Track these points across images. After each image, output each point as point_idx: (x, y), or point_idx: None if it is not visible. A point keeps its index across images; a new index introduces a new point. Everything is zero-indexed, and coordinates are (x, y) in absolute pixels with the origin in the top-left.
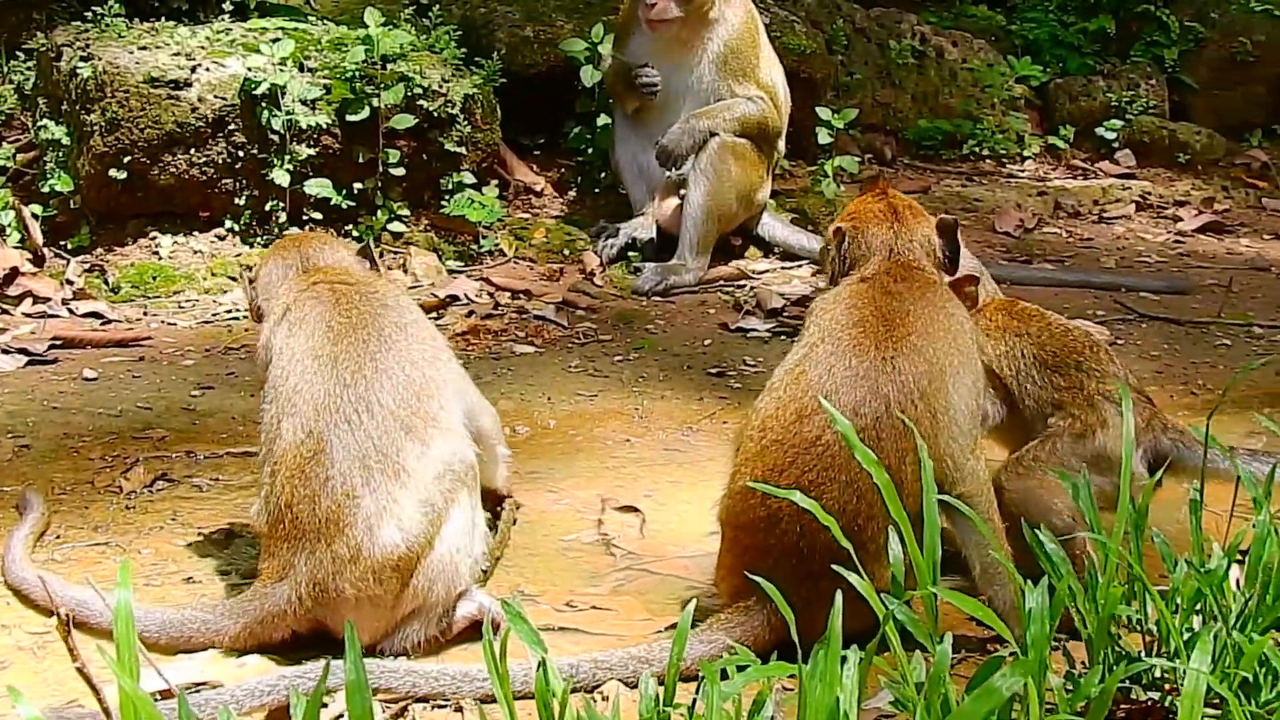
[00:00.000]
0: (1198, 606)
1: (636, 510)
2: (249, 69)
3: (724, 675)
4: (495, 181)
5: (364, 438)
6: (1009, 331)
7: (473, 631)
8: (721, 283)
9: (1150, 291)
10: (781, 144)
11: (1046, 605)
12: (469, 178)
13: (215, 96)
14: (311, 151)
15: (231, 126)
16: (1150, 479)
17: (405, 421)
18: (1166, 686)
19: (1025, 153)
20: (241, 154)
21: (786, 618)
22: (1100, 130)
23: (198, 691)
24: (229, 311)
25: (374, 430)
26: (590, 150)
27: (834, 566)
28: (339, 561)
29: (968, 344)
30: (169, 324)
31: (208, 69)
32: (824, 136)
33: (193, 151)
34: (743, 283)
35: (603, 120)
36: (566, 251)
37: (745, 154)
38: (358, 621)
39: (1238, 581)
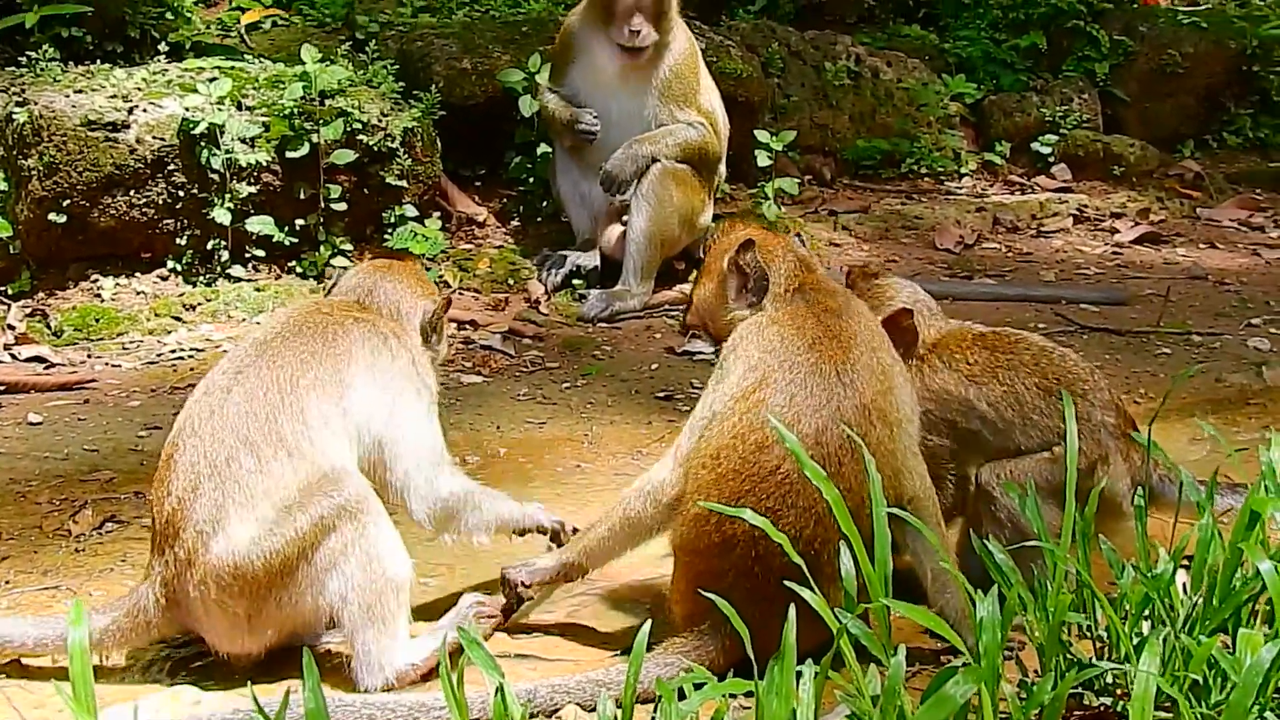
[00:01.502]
0: (1146, 611)
1: None
2: (186, 109)
3: (681, 696)
4: (437, 213)
5: (200, 446)
6: (1001, 369)
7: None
8: (666, 307)
9: (1089, 303)
10: (722, 168)
11: (997, 614)
12: (411, 210)
13: (153, 137)
14: (252, 189)
15: (171, 167)
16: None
17: (246, 437)
18: (1118, 691)
19: (963, 170)
20: (182, 194)
21: (742, 634)
22: (1035, 145)
23: None
24: (174, 351)
25: (209, 440)
26: (531, 179)
27: (787, 583)
28: (179, 564)
29: (890, 347)
30: (113, 366)
31: (145, 110)
32: (763, 159)
33: (132, 193)
34: (680, 306)
35: (543, 149)
36: (511, 281)
37: (687, 179)
38: (214, 628)
39: (1184, 586)
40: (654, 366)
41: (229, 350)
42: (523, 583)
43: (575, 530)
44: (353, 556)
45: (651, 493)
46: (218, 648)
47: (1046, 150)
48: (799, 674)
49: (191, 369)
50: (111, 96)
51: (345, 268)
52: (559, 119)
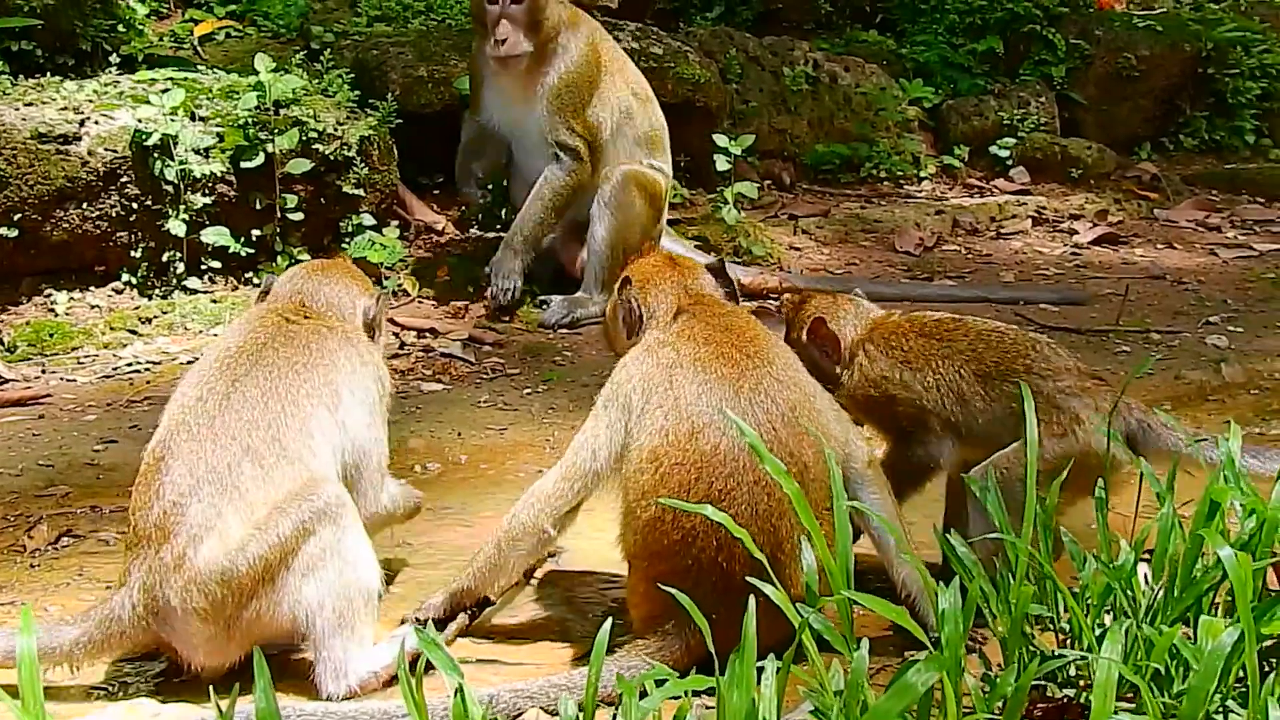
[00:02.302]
0: (1108, 603)
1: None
2: (139, 120)
3: (644, 695)
4: (396, 222)
5: (200, 451)
6: (934, 356)
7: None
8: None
9: (1048, 303)
10: (666, 166)
11: (960, 605)
12: (369, 219)
13: (106, 149)
14: (207, 200)
15: (124, 179)
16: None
17: (248, 445)
18: (1081, 683)
19: (922, 173)
20: (135, 206)
21: (703, 629)
22: (994, 148)
23: None
24: (130, 365)
25: (211, 445)
26: (491, 187)
27: (748, 579)
28: (165, 568)
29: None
30: (68, 381)
31: (97, 122)
32: (722, 163)
33: (85, 206)
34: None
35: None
36: (471, 288)
37: (645, 186)
38: (191, 638)
39: (1146, 577)
40: None
41: (198, 364)
42: (417, 620)
43: None
44: (330, 562)
45: (545, 508)
46: (191, 659)
47: (1005, 153)
48: (761, 669)
49: (148, 382)
50: (63, 109)
51: (273, 274)
52: (460, 161)
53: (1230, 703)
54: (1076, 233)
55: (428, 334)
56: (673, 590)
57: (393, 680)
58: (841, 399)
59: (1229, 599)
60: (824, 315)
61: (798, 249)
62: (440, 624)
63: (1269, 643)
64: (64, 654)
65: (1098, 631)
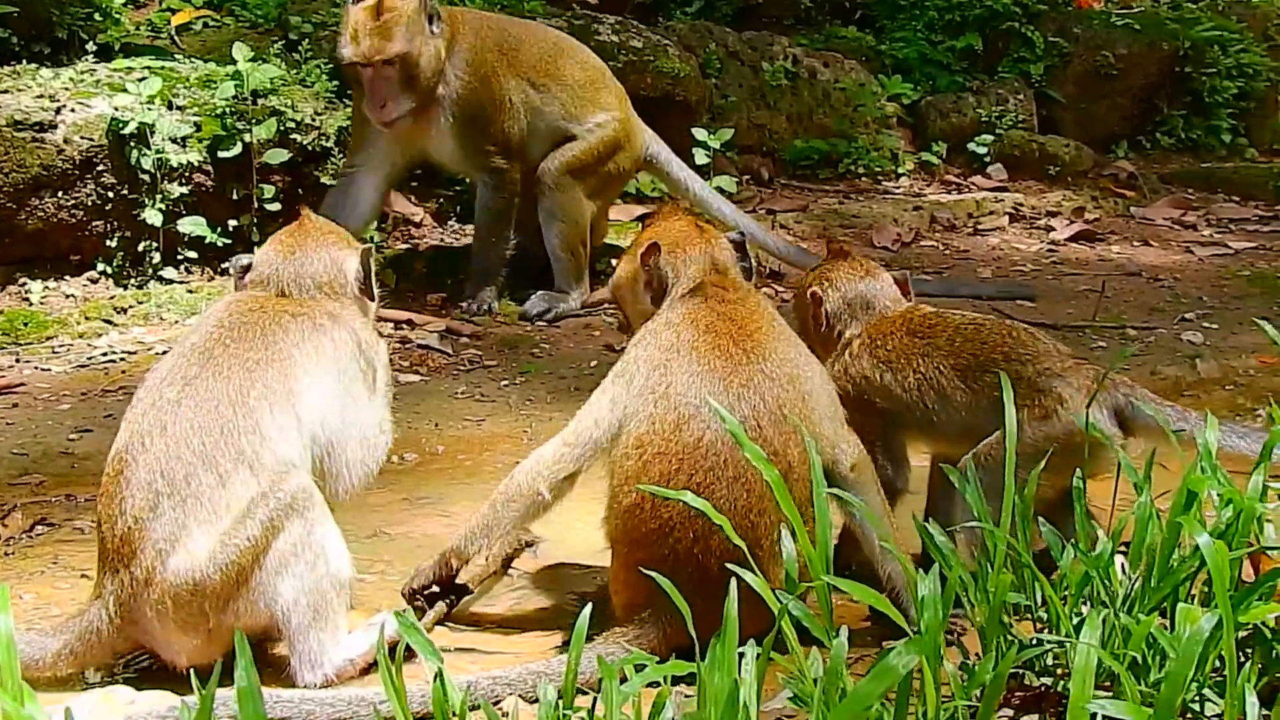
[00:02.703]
0: (1086, 591)
1: (528, 530)
2: (116, 109)
3: (623, 682)
4: None
5: (154, 463)
6: (914, 354)
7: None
8: (606, 305)
9: (996, 299)
10: (620, 158)
11: (939, 592)
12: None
13: (82, 138)
14: (184, 190)
15: (100, 167)
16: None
17: (203, 452)
18: (1059, 671)
19: (900, 169)
20: (112, 195)
21: (683, 613)
22: (972, 145)
23: None
24: (105, 355)
25: (164, 457)
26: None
27: (728, 565)
28: (136, 584)
29: (797, 337)
30: (43, 370)
31: (73, 110)
32: (701, 157)
33: (61, 194)
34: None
35: None
36: (448, 280)
37: (582, 178)
38: (171, 644)
39: (1123, 566)
40: (593, 364)
41: (165, 356)
42: (413, 591)
43: None
44: (303, 557)
45: (543, 471)
46: (174, 661)
47: (983, 150)
48: (741, 655)
49: (123, 372)
50: (38, 96)
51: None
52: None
53: (1207, 690)
54: (1053, 230)
55: (405, 325)
56: (651, 573)
57: (369, 668)
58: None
59: (1205, 589)
60: (821, 293)
61: None
62: (420, 611)
63: (1245, 632)
64: (47, 665)
65: (1075, 620)
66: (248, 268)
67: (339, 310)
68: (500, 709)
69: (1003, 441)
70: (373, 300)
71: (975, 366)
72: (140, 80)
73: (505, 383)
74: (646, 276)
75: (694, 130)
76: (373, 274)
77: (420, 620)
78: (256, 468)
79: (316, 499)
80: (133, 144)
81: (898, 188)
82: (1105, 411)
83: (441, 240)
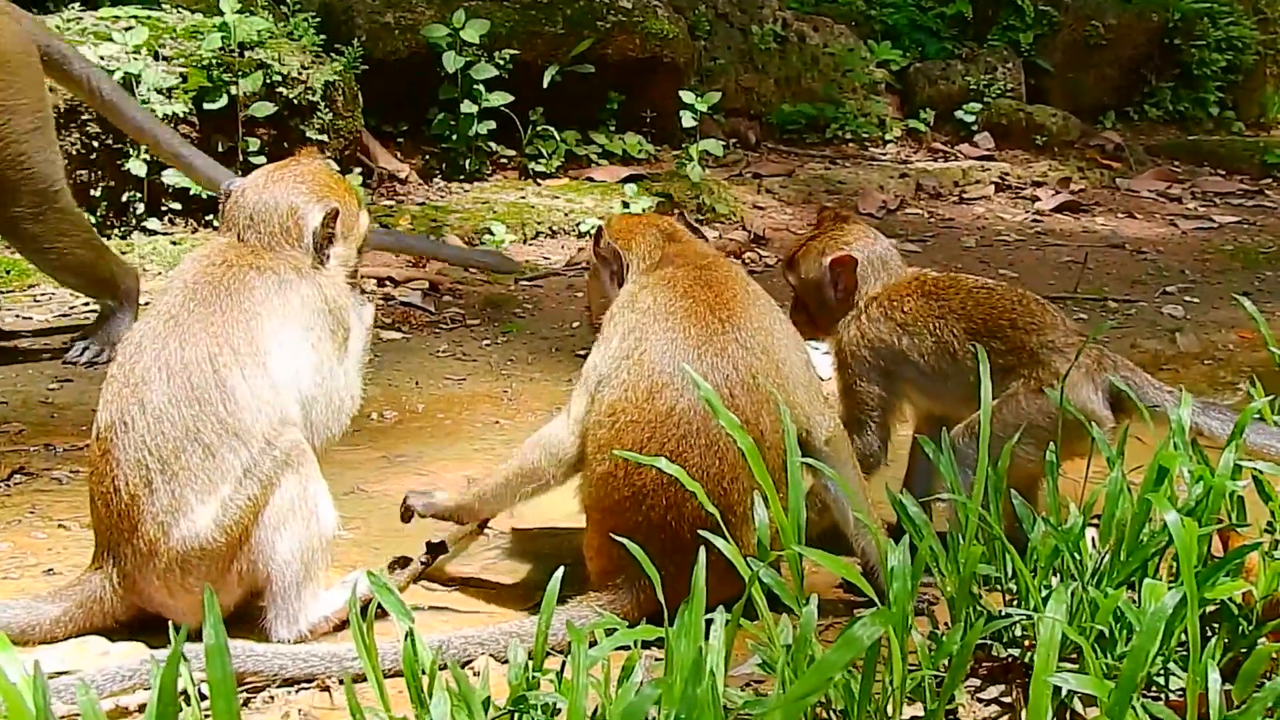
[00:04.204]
0: (1055, 564)
1: None
2: (101, 57)
3: (594, 645)
4: (359, 169)
5: (139, 442)
6: (930, 317)
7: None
8: (585, 264)
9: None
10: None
11: (908, 563)
12: (332, 165)
13: None
14: None
15: (85, 116)
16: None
17: (185, 426)
18: (1026, 643)
19: (887, 136)
20: (96, 144)
21: (653, 580)
22: (959, 113)
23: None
24: (86, 305)
25: (147, 434)
26: (454, 137)
27: (700, 532)
28: (140, 556)
29: (776, 307)
30: (24, 318)
31: None
32: (688, 120)
33: None
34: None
35: (467, 107)
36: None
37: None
38: (182, 608)
39: (1094, 540)
40: (575, 325)
41: (139, 322)
42: (418, 511)
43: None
44: (299, 513)
45: (549, 448)
46: (179, 622)
47: (970, 119)
48: (710, 622)
49: None
50: None
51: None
52: None
53: (1172, 665)
54: (1038, 200)
55: (388, 282)
56: (623, 540)
57: (343, 624)
58: (832, 346)
59: (1175, 565)
60: (858, 256)
61: (761, 208)
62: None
63: (1212, 608)
64: (45, 631)
65: (1045, 592)
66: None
67: (304, 265)
68: (472, 668)
69: (997, 412)
70: (322, 264)
71: (984, 331)
72: (126, 29)
73: (487, 342)
74: (604, 265)
75: (681, 93)
76: (344, 236)
77: (394, 577)
78: (244, 434)
79: (309, 454)
80: None
81: (884, 154)
82: (1100, 393)
83: (427, 198)
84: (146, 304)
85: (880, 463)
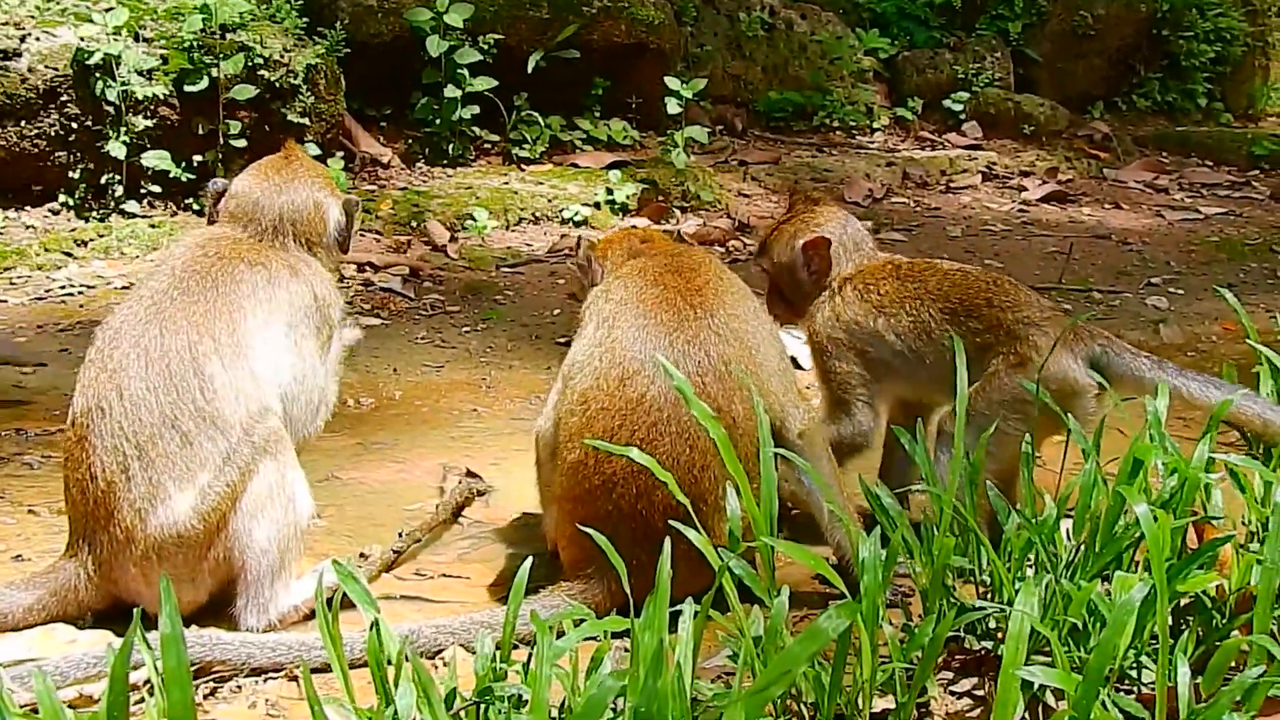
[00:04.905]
0: (1029, 557)
1: (480, 478)
2: (81, 38)
3: (562, 636)
4: (340, 153)
5: (116, 428)
6: (907, 299)
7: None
8: (568, 251)
9: None
10: None
11: (880, 554)
12: (313, 149)
13: (46, 67)
14: (149, 123)
15: (64, 98)
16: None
17: (163, 414)
18: (999, 635)
19: (874, 124)
20: (75, 126)
21: (620, 573)
22: (947, 102)
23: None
24: (63, 288)
25: (124, 421)
26: (438, 121)
27: (671, 522)
28: (116, 544)
29: (753, 296)
30: (0, 301)
31: (38, 39)
32: (673, 107)
33: (23, 124)
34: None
35: (450, 92)
36: (414, 223)
37: None
38: (155, 596)
39: (1068, 533)
40: (556, 312)
41: (119, 306)
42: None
43: (469, 471)
44: (277, 500)
45: (538, 438)
46: (154, 612)
47: (958, 108)
48: (680, 614)
49: (81, 306)
50: (3, 24)
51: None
52: None
53: (1145, 659)
54: (1026, 189)
55: (367, 268)
56: (591, 531)
57: (314, 614)
58: (805, 332)
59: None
60: (831, 237)
61: (746, 196)
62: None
63: (1188, 599)
64: (18, 618)
65: (1018, 585)
66: (223, 193)
67: (300, 264)
68: (442, 658)
69: (980, 391)
70: (345, 253)
71: (961, 311)
72: (107, 10)
73: (466, 329)
74: (580, 271)
75: (667, 79)
76: (355, 228)
77: (365, 566)
78: (221, 423)
79: (287, 442)
80: (98, 75)
81: (872, 142)
82: (1080, 361)
83: (409, 183)
84: (128, 287)
85: (869, 443)
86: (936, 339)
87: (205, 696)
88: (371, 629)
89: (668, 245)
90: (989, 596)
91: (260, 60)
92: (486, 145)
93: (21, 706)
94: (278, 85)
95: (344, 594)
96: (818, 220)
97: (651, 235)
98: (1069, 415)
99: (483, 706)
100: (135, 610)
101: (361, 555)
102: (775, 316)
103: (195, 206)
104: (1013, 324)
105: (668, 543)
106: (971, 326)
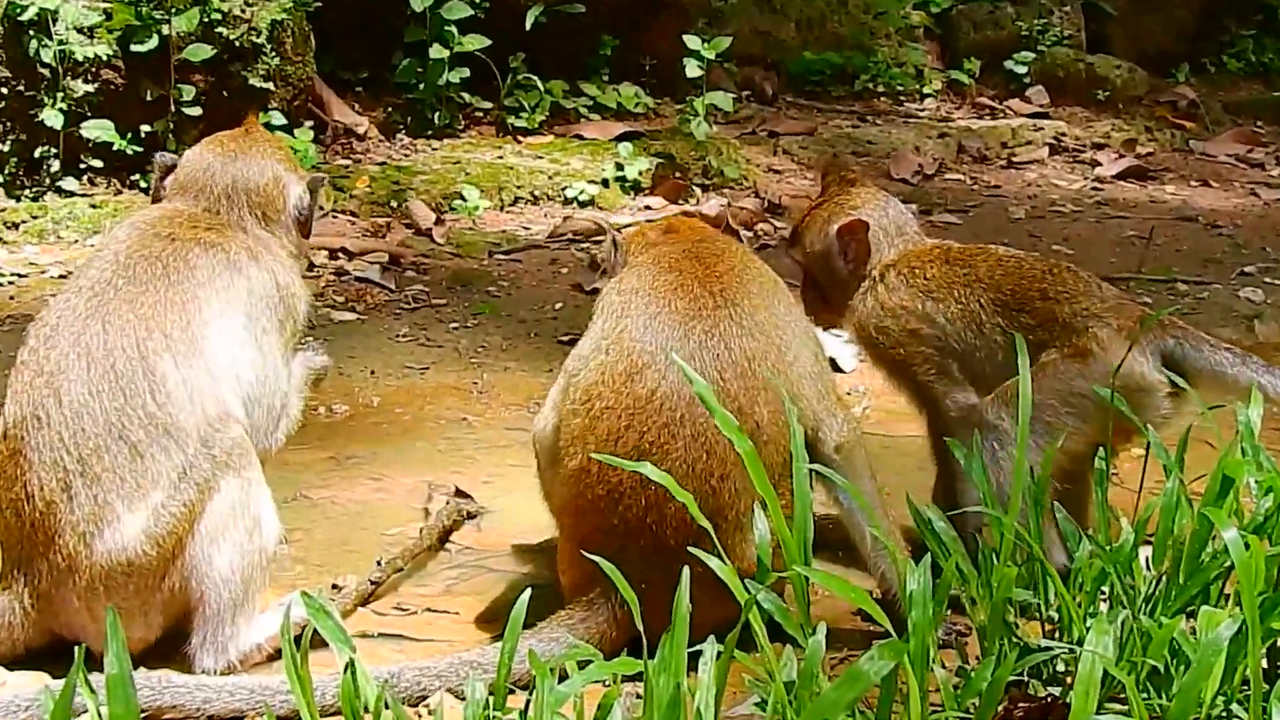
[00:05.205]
0: (1103, 589)
1: (470, 499)
2: None
3: (565, 679)
4: (310, 123)
5: (56, 439)
6: (956, 284)
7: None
8: (571, 236)
9: None
10: None
11: (930, 587)
12: (278, 118)
13: None
14: (90, 88)
15: None
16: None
17: (108, 422)
18: (1068, 680)
19: (924, 89)
20: (5, 92)
21: (630, 602)
22: (1009, 64)
23: None
24: (11, 282)
25: (65, 431)
26: (421, 86)
27: (690, 549)
28: (58, 572)
29: (786, 290)
30: None
31: None
32: (693, 69)
33: None
34: (601, 238)
35: (436, 52)
36: (394, 203)
37: None
38: (102, 632)
39: (1147, 561)
40: (558, 306)
41: (55, 300)
42: None
43: (457, 490)
44: (240, 522)
45: (536, 440)
46: (99, 650)
47: (1021, 70)
48: (700, 653)
49: (12, 298)
50: None
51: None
52: None
53: (1235, 706)
54: (1099, 164)
55: (341, 254)
56: (594, 557)
57: (279, 653)
58: (850, 328)
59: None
60: (869, 220)
61: (777, 172)
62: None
63: None
64: None
65: (1089, 622)
66: (172, 168)
67: (260, 247)
68: (426, 705)
69: (1034, 384)
70: (306, 237)
71: (1013, 304)
72: None
73: (455, 325)
74: (605, 262)
75: (686, 37)
76: (316, 206)
77: (338, 599)
78: (175, 431)
79: (253, 456)
80: (31, 33)
81: (921, 110)
82: (1148, 355)
83: (389, 157)
84: (66, 277)
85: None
86: (988, 334)
87: None
88: (346, 671)
89: (692, 227)
90: (1056, 635)
91: (218, 16)
92: (478, 114)
93: None
94: (238, 45)
95: (314, 631)
96: (853, 202)
97: (684, 225)
98: (1140, 419)
99: None
100: (78, 648)
101: (334, 586)
102: (813, 317)
103: (143, 184)
104: (1069, 318)
105: (686, 573)
106: (1023, 321)
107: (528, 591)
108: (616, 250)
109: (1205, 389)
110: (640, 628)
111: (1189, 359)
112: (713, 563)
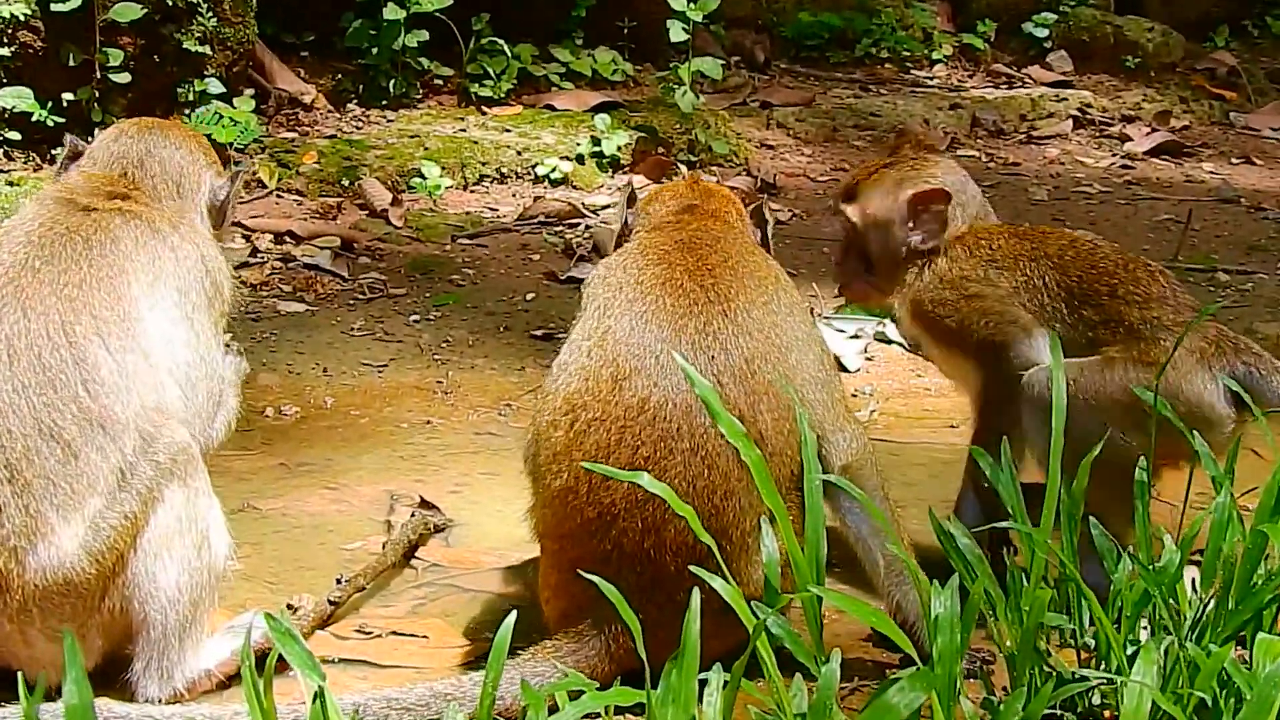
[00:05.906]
0: (1145, 614)
1: (438, 510)
2: None
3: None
4: (251, 91)
5: None
6: (1023, 257)
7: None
8: (543, 218)
9: None
10: None
11: (956, 611)
12: (215, 86)
13: None
14: (5, 52)
15: None
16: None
17: (37, 420)
18: (1107, 714)
19: (934, 54)
20: None
21: (632, 628)
22: (1028, 26)
23: None
24: None
25: None
26: (375, 50)
27: (692, 568)
28: None
29: (789, 284)
30: None
31: None
32: (678, 32)
33: None
34: (576, 220)
35: (391, 12)
36: (345, 182)
37: None
38: (39, 656)
39: (1194, 582)
40: (529, 296)
41: None
42: None
43: (422, 500)
44: (187, 535)
45: (525, 452)
46: (35, 675)
47: (1042, 33)
48: (704, 682)
49: None
50: None
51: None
52: None
53: None
54: (1130, 139)
55: (287, 239)
56: (593, 578)
57: (230, 680)
58: (900, 304)
59: None
60: (951, 191)
61: (770, 147)
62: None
63: None
64: None
65: (1130, 650)
66: (81, 154)
67: (180, 220)
68: None
69: (1086, 375)
70: (218, 227)
71: (1078, 292)
72: None
73: (415, 317)
74: (617, 216)
75: None
76: (233, 205)
77: (294, 621)
78: (112, 426)
79: (198, 461)
80: None
81: (931, 78)
82: (1220, 384)
83: (339, 130)
84: None
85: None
86: (1049, 317)
87: None
88: (315, 701)
89: (696, 215)
90: (1094, 664)
91: None
92: (438, 81)
93: None
94: (170, 5)
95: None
96: (931, 170)
97: (704, 194)
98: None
99: None
100: (38, 680)
101: (289, 607)
102: (845, 287)
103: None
104: (1137, 323)
105: (695, 598)
106: (1085, 316)
107: (513, 614)
108: (629, 208)
109: (1274, 420)
110: (643, 656)
111: (1258, 389)
112: (718, 584)
